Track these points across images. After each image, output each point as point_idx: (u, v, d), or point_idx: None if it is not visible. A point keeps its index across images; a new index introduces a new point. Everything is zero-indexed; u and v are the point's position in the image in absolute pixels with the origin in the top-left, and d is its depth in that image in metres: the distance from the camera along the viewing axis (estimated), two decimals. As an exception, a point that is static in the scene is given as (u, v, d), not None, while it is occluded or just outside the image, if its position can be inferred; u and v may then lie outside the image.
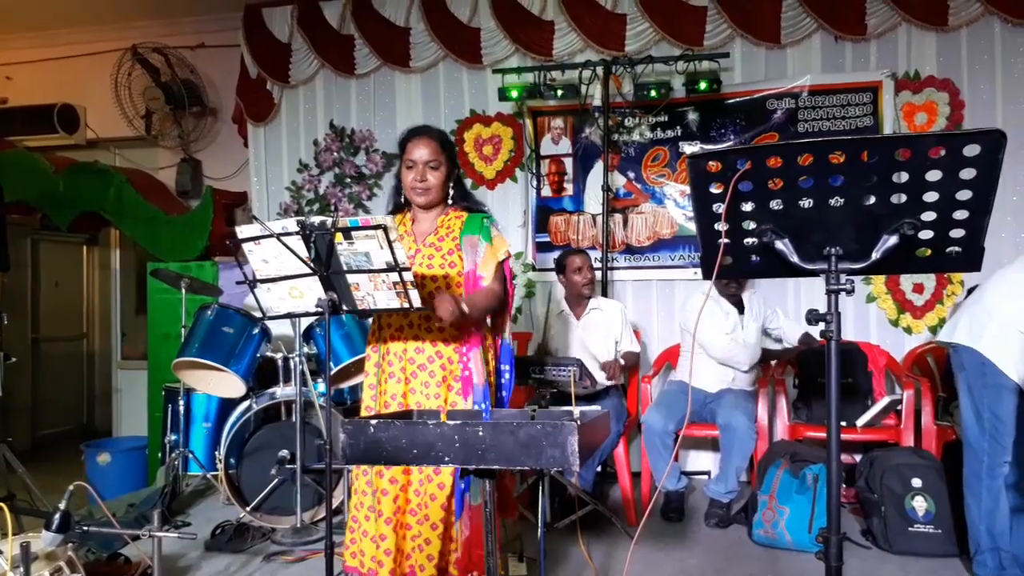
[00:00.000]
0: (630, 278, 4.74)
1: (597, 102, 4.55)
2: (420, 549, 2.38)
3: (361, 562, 2.41)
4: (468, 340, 2.45)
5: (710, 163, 1.67)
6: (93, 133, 5.98)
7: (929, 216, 1.56)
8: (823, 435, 3.73)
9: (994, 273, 2.84)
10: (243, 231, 2.26)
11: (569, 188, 4.86)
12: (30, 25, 5.82)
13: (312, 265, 2.23)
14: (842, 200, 1.60)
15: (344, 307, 2.29)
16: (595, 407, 3.55)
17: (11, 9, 5.53)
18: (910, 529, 3.21)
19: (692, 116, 4.64)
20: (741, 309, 3.96)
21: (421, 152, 2.46)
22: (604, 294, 4.38)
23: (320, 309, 2.28)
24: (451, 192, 2.55)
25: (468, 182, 4.92)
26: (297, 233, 2.19)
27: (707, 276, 1.75)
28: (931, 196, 1.54)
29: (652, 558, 3.25)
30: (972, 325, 2.75)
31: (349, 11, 5.11)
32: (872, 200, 1.58)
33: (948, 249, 1.59)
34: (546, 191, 4.90)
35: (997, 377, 2.67)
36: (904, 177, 1.54)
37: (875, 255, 1.61)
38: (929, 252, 1.61)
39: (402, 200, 2.59)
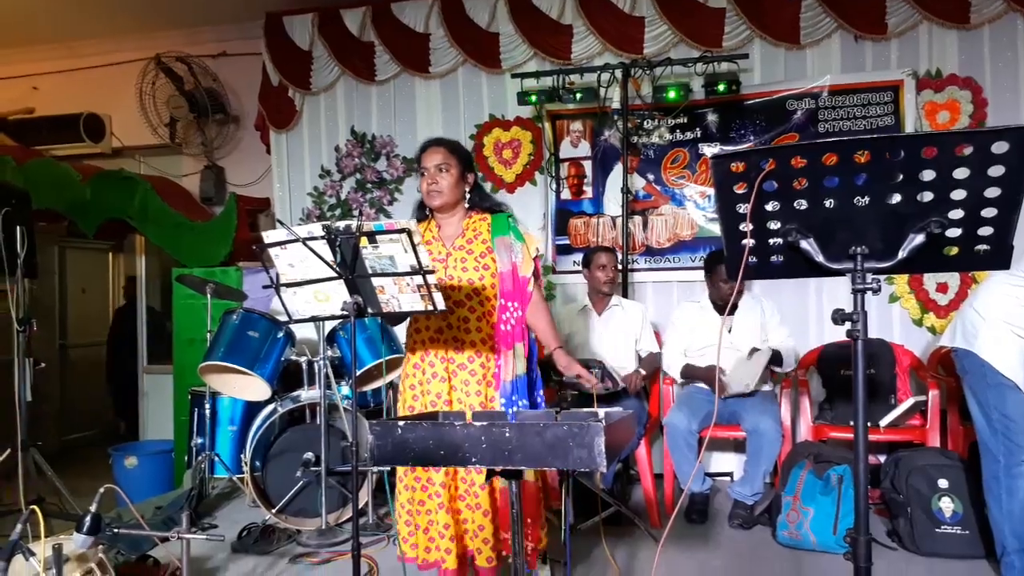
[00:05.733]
0: (650, 279, 4.74)
1: (616, 105, 4.56)
2: (476, 534, 2.51)
3: (441, 557, 2.51)
4: (502, 338, 2.56)
5: (734, 164, 1.67)
6: (118, 141, 6.06)
7: (956, 214, 1.55)
8: (847, 436, 3.74)
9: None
10: (270, 236, 2.29)
11: (588, 191, 4.87)
12: (56, 36, 5.92)
13: (338, 269, 2.25)
14: (867, 199, 1.59)
15: (369, 310, 2.32)
16: (618, 408, 3.55)
17: (37, 21, 5.62)
18: (937, 530, 3.18)
19: (712, 118, 4.64)
20: (732, 312, 3.90)
21: (431, 158, 2.59)
22: (624, 295, 4.38)
23: (346, 312, 2.31)
24: (467, 195, 2.65)
25: (488, 185, 4.95)
26: (323, 238, 2.21)
27: (732, 276, 1.76)
28: (958, 194, 1.53)
29: (675, 560, 3.25)
30: (966, 328, 2.79)
31: (369, 18, 5.15)
32: (898, 199, 1.57)
33: (976, 247, 1.58)
34: (565, 194, 4.91)
35: (997, 377, 2.68)
36: (930, 175, 1.53)
37: (902, 254, 1.60)
38: (957, 250, 1.60)
39: (427, 212, 2.69)
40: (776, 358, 3.83)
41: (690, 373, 3.90)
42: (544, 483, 2.72)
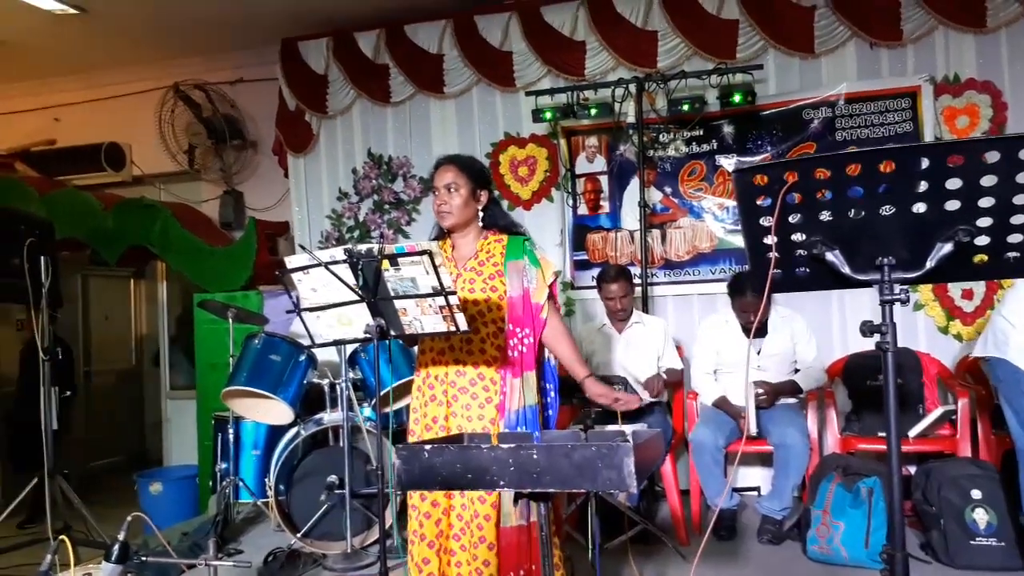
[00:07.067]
0: (671, 293, 4.71)
1: (631, 119, 4.56)
2: (476, 574, 2.37)
3: None
4: (508, 364, 2.46)
5: (756, 177, 1.66)
6: (139, 170, 6.13)
7: (985, 222, 1.53)
8: (875, 447, 3.68)
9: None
10: (292, 261, 2.30)
11: (606, 205, 4.86)
12: (75, 68, 6.02)
13: (360, 292, 2.26)
14: (893, 209, 1.57)
15: (392, 332, 2.32)
16: (643, 425, 3.52)
17: (57, 54, 5.72)
18: (972, 542, 3.12)
19: (728, 129, 4.62)
20: (761, 333, 3.82)
21: (442, 177, 2.53)
22: (645, 310, 4.36)
23: (368, 335, 2.30)
24: (480, 213, 2.57)
25: (504, 204, 4.94)
26: (345, 261, 2.22)
27: (758, 291, 1.74)
28: (986, 201, 1.51)
29: (706, 577, 3.20)
30: (997, 336, 2.76)
31: (383, 41, 5.20)
32: (924, 208, 1.55)
33: (1006, 255, 1.56)
34: (583, 209, 4.91)
35: None
36: (956, 183, 1.51)
37: (929, 263, 1.58)
38: (986, 258, 1.58)
39: (444, 230, 2.62)
40: (795, 388, 3.79)
41: (721, 407, 3.82)
42: (555, 513, 2.58)
